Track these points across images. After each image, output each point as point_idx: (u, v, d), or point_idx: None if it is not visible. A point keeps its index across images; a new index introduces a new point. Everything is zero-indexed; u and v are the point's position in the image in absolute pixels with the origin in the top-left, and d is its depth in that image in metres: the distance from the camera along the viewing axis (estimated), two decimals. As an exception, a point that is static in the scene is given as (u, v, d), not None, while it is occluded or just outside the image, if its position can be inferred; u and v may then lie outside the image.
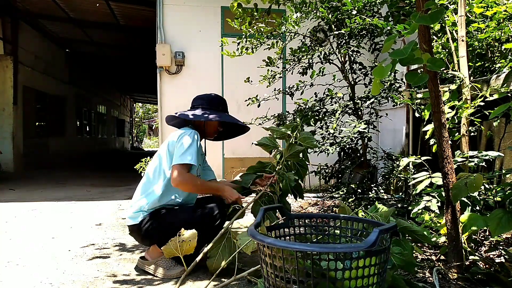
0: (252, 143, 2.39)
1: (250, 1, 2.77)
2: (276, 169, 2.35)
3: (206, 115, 2.36)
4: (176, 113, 2.43)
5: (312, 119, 3.31)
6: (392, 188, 4.21)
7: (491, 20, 3.17)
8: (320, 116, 3.49)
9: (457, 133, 2.75)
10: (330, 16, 3.19)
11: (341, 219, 1.67)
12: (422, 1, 1.68)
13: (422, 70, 1.85)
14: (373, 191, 3.45)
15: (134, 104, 29.24)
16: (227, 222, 2.27)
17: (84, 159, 13.37)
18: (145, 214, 2.26)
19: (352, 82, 3.58)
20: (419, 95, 3.30)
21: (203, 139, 2.58)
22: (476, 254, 2.19)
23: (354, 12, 3.13)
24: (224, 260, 2.13)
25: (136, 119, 30.43)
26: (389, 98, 3.31)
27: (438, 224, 2.42)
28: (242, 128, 2.65)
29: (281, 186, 2.31)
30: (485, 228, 2.23)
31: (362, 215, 2.01)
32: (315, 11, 3.18)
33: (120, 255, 2.70)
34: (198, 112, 2.39)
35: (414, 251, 1.82)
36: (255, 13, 3.12)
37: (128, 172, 6.80)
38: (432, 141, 2.84)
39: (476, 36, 3.32)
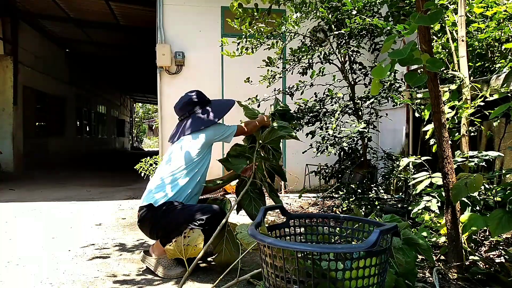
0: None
1: (250, 1, 2.77)
2: (255, 156, 2.47)
3: (203, 123, 2.52)
4: (178, 133, 2.57)
5: (295, 120, 3.33)
6: (392, 188, 4.22)
7: (491, 20, 3.17)
8: (320, 117, 3.49)
9: (457, 133, 2.75)
10: (330, 16, 3.19)
11: (341, 219, 1.67)
12: (421, 1, 1.68)
13: (421, 70, 1.85)
14: (373, 191, 3.45)
15: (134, 104, 29.22)
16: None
17: (84, 159, 13.36)
18: (160, 201, 2.29)
19: (352, 82, 3.58)
20: (419, 95, 3.30)
21: None
22: (476, 254, 2.19)
23: (354, 12, 3.13)
24: (231, 255, 2.14)
25: (136, 119, 30.41)
26: (389, 98, 3.31)
27: (438, 224, 2.42)
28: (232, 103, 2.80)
29: (262, 175, 2.38)
30: (485, 228, 2.23)
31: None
32: (315, 11, 3.18)
33: (120, 255, 2.70)
34: (206, 116, 2.54)
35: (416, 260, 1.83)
36: (255, 13, 3.12)
37: (128, 172, 6.80)
38: (432, 141, 2.84)
39: (476, 36, 3.32)
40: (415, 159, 2.67)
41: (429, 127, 2.66)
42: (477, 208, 2.35)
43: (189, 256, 1.94)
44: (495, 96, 2.43)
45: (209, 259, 2.54)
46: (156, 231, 2.31)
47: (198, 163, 2.44)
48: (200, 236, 1.92)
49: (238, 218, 3.75)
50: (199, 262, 2.35)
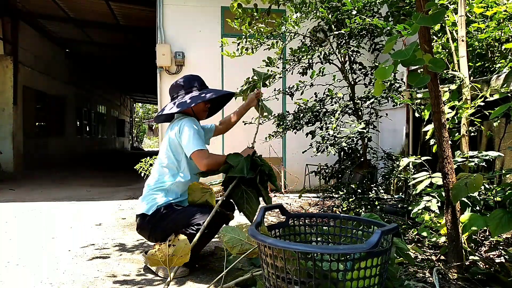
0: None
1: (250, 1, 2.77)
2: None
3: (190, 101, 2.34)
4: (161, 112, 2.46)
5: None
6: (392, 188, 4.21)
7: (491, 20, 3.17)
8: (320, 117, 3.48)
9: (457, 133, 2.75)
10: (330, 16, 3.19)
11: (341, 218, 1.67)
12: (423, 2, 1.68)
13: (422, 70, 1.85)
14: (373, 191, 3.45)
15: (134, 104, 29.22)
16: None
17: (84, 159, 13.36)
18: (156, 207, 2.27)
19: (352, 82, 3.58)
20: (419, 95, 3.30)
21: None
22: (476, 254, 2.19)
23: (354, 12, 3.13)
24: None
25: (136, 119, 30.41)
26: (389, 98, 3.31)
27: (438, 224, 2.42)
28: (227, 95, 2.66)
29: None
30: (485, 228, 2.23)
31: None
32: (315, 11, 3.18)
33: (120, 255, 2.70)
34: (181, 99, 2.39)
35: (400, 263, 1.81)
36: (255, 14, 3.12)
37: (128, 172, 6.80)
38: (432, 141, 2.84)
39: (476, 36, 3.32)
40: (415, 159, 2.67)
41: (429, 128, 2.66)
42: (477, 208, 2.35)
43: (174, 265, 1.82)
44: (496, 96, 2.43)
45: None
46: (155, 235, 2.30)
47: (176, 163, 2.35)
48: (186, 245, 1.79)
49: (238, 219, 3.75)
50: (198, 263, 2.35)
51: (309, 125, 3.55)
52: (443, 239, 2.34)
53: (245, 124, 3.59)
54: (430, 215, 2.49)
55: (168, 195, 2.31)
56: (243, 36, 3.29)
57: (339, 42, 3.45)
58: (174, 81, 2.52)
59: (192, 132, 2.27)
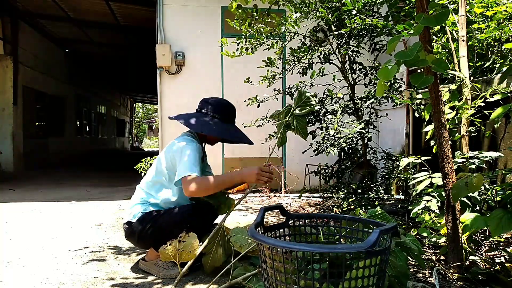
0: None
1: (249, 2, 2.77)
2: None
3: (208, 129, 2.26)
4: (179, 120, 2.31)
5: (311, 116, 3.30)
6: (392, 188, 4.21)
7: (491, 20, 3.17)
8: (320, 117, 3.48)
9: (458, 134, 2.75)
10: (330, 16, 3.19)
11: (341, 219, 1.67)
12: (425, 2, 1.68)
13: (422, 70, 1.85)
14: (373, 191, 3.45)
15: (134, 104, 29.23)
16: (220, 219, 2.25)
17: (84, 159, 13.36)
18: (140, 213, 2.26)
19: (352, 82, 3.58)
20: (419, 95, 3.30)
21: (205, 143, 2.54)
22: (476, 254, 2.19)
23: (354, 12, 3.13)
24: (218, 259, 2.13)
25: (136, 119, 30.41)
26: (389, 98, 3.31)
27: (438, 224, 2.42)
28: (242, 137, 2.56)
29: None
30: (485, 228, 2.23)
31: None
32: (315, 11, 3.18)
33: (120, 255, 2.70)
34: (203, 120, 2.30)
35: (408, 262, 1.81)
36: (255, 14, 3.12)
37: (128, 172, 6.80)
38: (432, 142, 2.84)
39: (477, 36, 3.32)
40: (415, 159, 2.67)
41: (430, 128, 2.65)
42: (478, 208, 2.35)
43: (183, 261, 1.90)
44: (496, 97, 2.43)
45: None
46: (144, 241, 2.27)
47: (166, 181, 2.27)
48: (195, 241, 1.86)
49: (238, 219, 3.75)
50: (196, 263, 2.34)
51: (309, 125, 3.55)
52: (443, 239, 2.34)
53: (244, 127, 3.59)
54: (430, 215, 2.49)
55: (154, 207, 2.29)
56: (243, 36, 3.30)
57: (339, 42, 3.45)
58: (211, 98, 2.40)
59: (193, 155, 2.10)
